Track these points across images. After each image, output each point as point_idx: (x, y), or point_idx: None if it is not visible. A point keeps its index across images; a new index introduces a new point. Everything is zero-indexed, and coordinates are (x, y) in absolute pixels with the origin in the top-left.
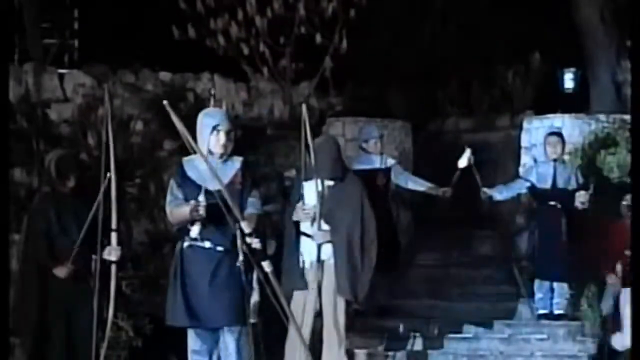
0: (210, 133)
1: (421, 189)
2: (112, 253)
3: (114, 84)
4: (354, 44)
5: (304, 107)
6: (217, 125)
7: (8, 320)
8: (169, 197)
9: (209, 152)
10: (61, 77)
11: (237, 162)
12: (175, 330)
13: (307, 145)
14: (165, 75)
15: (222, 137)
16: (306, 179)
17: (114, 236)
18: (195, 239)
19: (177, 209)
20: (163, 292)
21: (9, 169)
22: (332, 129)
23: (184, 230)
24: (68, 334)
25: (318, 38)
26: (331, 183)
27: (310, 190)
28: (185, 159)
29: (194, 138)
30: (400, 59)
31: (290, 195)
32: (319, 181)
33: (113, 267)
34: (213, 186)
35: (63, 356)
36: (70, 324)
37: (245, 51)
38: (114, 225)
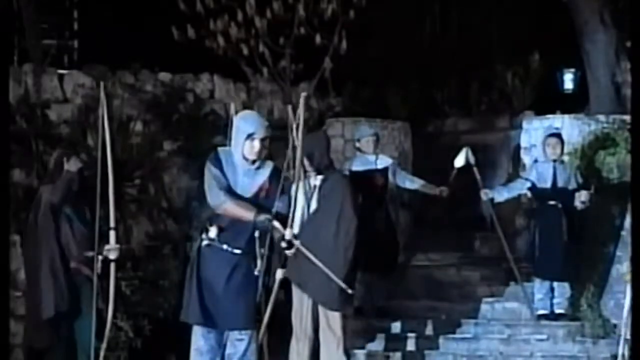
0: (245, 139)
1: (418, 188)
2: (110, 251)
3: (114, 84)
4: (354, 44)
5: (289, 109)
6: (253, 133)
7: (8, 321)
8: (216, 184)
9: (243, 157)
10: (61, 77)
11: (268, 168)
12: (175, 330)
13: (294, 148)
14: (164, 76)
15: (256, 144)
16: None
17: (112, 235)
18: (213, 240)
19: (236, 207)
20: (163, 293)
21: (9, 170)
22: (332, 130)
23: (200, 230)
24: (68, 335)
25: (317, 39)
26: (318, 182)
27: (299, 192)
28: (220, 149)
29: (193, 137)
30: (399, 59)
31: None
32: (304, 181)
33: (112, 266)
34: (242, 192)
35: (63, 356)
36: (71, 324)
37: (245, 52)
38: (112, 224)
